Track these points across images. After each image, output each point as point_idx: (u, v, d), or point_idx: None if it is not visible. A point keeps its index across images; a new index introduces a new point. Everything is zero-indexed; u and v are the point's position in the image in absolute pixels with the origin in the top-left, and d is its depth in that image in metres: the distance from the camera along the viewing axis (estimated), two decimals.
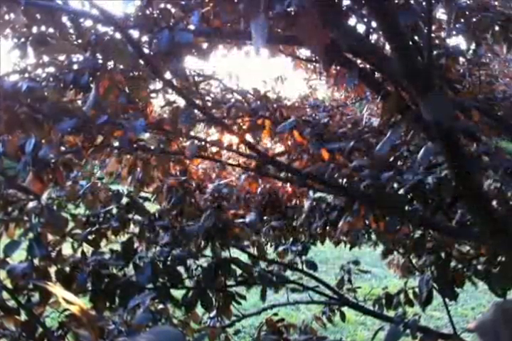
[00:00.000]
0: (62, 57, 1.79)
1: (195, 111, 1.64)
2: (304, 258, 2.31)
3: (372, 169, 1.68)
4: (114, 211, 1.95)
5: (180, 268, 1.84)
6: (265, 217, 2.59)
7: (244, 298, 1.91)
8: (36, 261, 1.64)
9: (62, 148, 1.68)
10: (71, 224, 1.79)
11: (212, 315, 2.11)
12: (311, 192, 2.25)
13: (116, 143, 1.70)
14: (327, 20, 1.40)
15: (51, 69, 1.76)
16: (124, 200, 1.99)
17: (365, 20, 1.64)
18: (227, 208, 2.23)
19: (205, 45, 1.76)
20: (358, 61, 1.85)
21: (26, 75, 1.75)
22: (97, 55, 1.65)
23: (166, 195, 2.19)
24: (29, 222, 1.66)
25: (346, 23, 1.60)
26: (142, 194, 2.26)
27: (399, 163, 1.96)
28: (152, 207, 2.14)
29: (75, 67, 1.69)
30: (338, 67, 1.86)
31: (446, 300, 2.05)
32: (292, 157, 2.05)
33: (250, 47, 2.19)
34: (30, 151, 1.54)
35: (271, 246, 2.63)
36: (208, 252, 1.91)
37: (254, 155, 1.75)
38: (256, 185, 2.41)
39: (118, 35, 1.57)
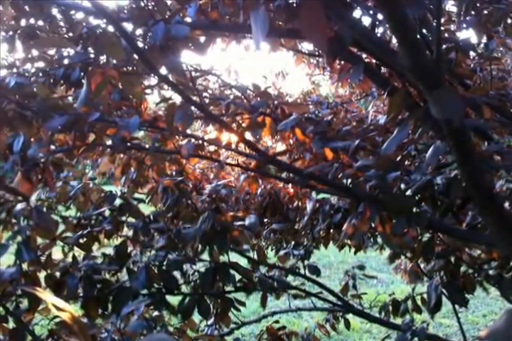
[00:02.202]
0: (52, 52, 1.77)
1: (192, 108, 1.59)
2: (306, 262, 2.27)
3: (378, 169, 1.62)
4: (107, 213, 1.90)
5: (177, 273, 1.79)
6: (266, 220, 2.56)
7: (243, 304, 1.85)
8: (25, 266, 1.60)
9: (52, 147, 1.65)
10: (61, 227, 1.76)
11: (210, 322, 2.09)
12: (313, 193, 2.21)
13: (109, 142, 1.66)
14: (331, 13, 1.35)
15: (41, 64, 1.75)
16: (118, 202, 1.94)
17: (371, 12, 1.60)
18: (226, 210, 2.22)
19: (202, 39, 1.73)
20: (364, 55, 1.82)
21: (14, 70, 1.74)
22: (89, 49, 1.64)
23: (161, 196, 2.16)
24: (17, 224, 1.62)
25: (351, 16, 1.55)
26: (136, 195, 2.24)
27: (406, 162, 1.92)
28: (147, 209, 2.09)
29: (66, 61, 1.68)
30: (343, 62, 1.83)
31: (456, 306, 2.00)
32: (294, 156, 2.01)
33: (250, 40, 2.17)
34: (18, 150, 1.50)
35: (272, 250, 2.62)
36: (205, 256, 1.86)
37: (254, 155, 1.70)
38: (256, 185, 2.36)
39: (111, 28, 1.56)
